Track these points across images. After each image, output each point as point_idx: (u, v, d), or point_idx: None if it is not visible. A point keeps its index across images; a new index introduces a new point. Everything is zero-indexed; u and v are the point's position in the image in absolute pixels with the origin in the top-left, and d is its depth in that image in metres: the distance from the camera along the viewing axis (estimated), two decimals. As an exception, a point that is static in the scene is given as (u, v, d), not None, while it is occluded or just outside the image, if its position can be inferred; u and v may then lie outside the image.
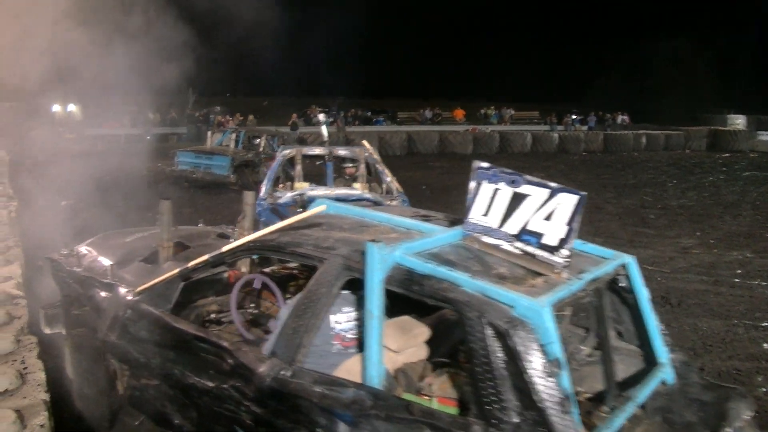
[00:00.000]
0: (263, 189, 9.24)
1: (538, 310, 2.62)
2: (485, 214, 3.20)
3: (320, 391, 3.03)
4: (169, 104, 34.48)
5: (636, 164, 27.73)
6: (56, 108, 28.12)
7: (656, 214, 15.18)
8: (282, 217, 8.54)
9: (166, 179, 18.19)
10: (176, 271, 4.10)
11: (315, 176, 10.36)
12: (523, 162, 27.46)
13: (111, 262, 4.85)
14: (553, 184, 3.01)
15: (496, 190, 3.16)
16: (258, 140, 19.02)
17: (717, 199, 18.01)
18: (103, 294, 4.53)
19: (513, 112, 48.10)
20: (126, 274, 4.66)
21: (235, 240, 5.36)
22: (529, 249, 3.06)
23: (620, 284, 3.50)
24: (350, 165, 9.97)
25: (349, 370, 3.25)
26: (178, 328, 3.81)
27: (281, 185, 9.61)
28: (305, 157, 10.12)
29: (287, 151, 10.27)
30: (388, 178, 9.60)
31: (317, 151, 10.54)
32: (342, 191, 9.17)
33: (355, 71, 60.50)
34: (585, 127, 41.68)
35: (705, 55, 56.26)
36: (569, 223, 2.95)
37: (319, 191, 9.11)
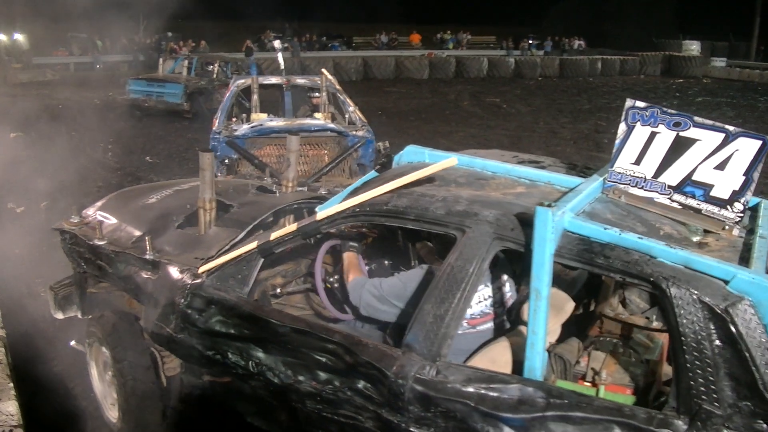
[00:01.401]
0: (216, 122, 8.77)
1: (763, 285, 2.21)
2: (636, 162, 2.77)
3: (477, 391, 2.55)
4: (119, 31, 33.58)
5: (591, 89, 27.89)
6: (1, 37, 27.20)
7: (610, 139, 15.31)
8: (239, 152, 8.12)
9: (118, 108, 17.81)
10: (253, 245, 3.42)
11: (274, 106, 10.07)
12: (479, 87, 27.49)
13: (141, 232, 4.15)
14: (730, 128, 2.58)
15: (654, 133, 2.72)
16: (211, 67, 18.69)
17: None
18: (144, 275, 3.85)
19: (469, 36, 47.78)
20: (166, 246, 3.98)
21: (279, 193, 4.85)
22: (692, 202, 2.67)
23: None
24: (316, 95, 9.37)
25: (493, 359, 2.79)
26: (269, 319, 3.20)
27: (234, 118, 9.17)
28: (262, 86, 9.61)
29: (241, 81, 9.84)
30: (351, 107, 9.23)
31: (273, 80, 10.16)
32: (303, 121, 8.71)
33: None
34: (541, 52, 41.58)
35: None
36: (747, 173, 2.55)
37: (279, 122, 8.65)
